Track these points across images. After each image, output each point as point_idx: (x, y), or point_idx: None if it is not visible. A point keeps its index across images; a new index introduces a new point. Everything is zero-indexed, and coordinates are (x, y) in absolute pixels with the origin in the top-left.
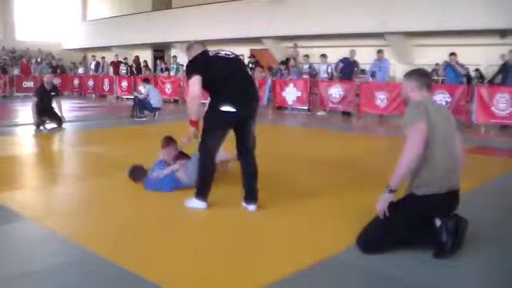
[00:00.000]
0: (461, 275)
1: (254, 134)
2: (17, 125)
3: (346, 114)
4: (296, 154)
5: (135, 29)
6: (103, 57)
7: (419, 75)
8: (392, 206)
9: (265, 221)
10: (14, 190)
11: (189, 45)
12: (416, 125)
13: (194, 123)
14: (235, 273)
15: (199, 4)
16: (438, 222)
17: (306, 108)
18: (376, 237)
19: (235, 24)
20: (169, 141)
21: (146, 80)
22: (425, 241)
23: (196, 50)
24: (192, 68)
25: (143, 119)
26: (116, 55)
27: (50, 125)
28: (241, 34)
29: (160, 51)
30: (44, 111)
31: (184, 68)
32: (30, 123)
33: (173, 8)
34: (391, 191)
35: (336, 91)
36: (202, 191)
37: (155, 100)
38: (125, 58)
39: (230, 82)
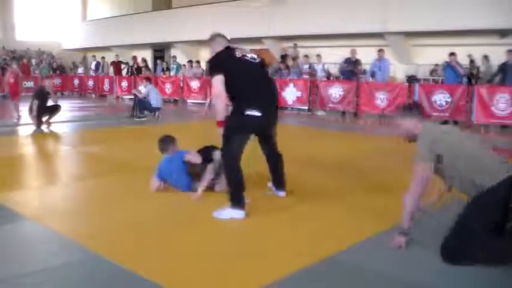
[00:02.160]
0: (461, 275)
1: (275, 133)
2: (17, 125)
3: (350, 114)
4: (296, 154)
5: (135, 29)
6: (103, 57)
7: (411, 109)
8: (463, 213)
9: (265, 221)
10: (14, 190)
11: (212, 37)
12: (422, 164)
13: (222, 124)
14: (235, 273)
15: (199, 4)
16: None
17: (306, 108)
18: (454, 245)
19: (235, 24)
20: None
21: (148, 80)
22: None
23: (219, 44)
24: (216, 65)
25: (143, 119)
26: (116, 55)
27: (51, 119)
28: (241, 34)
29: (160, 51)
30: (42, 112)
31: (207, 63)
32: (30, 123)
33: (173, 8)
34: (404, 234)
35: (336, 91)
36: (237, 200)
37: (155, 100)
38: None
39: (256, 87)
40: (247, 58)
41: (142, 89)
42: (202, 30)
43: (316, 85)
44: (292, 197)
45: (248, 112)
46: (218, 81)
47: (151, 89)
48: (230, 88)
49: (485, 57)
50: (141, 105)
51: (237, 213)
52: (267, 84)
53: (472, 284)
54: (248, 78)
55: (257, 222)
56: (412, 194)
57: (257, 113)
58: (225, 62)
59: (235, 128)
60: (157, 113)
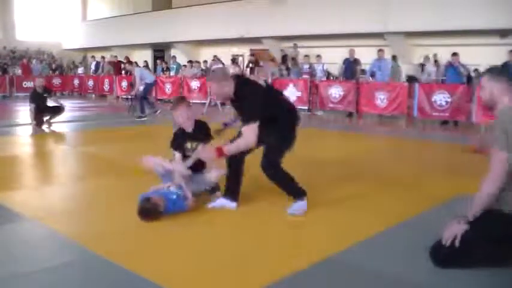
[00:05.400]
0: (462, 274)
1: None
2: (17, 125)
3: (349, 114)
4: (295, 154)
5: (135, 29)
6: (103, 57)
7: (507, 75)
8: (470, 222)
9: (265, 221)
10: (14, 190)
11: (220, 73)
12: (499, 154)
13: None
14: (235, 273)
15: (199, 4)
16: None
17: (306, 108)
18: (449, 253)
19: (235, 24)
20: (181, 100)
21: (131, 63)
22: None
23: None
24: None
25: (143, 118)
26: (115, 56)
27: (52, 120)
28: (241, 34)
29: (160, 51)
30: (43, 111)
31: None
32: (31, 123)
33: (173, 8)
34: (467, 223)
35: (336, 91)
36: (297, 191)
37: (150, 78)
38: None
39: None
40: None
41: (136, 77)
42: (203, 30)
43: (315, 85)
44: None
45: None
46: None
47: (142, 70)
48: None
49: (434, 55)
50: (142, 103)
51: (304, 204)
52: None
53: (472, 284)
54: None
55: (257, 222)
56: (494, 181)
57: None
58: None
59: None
60: (158, 112)
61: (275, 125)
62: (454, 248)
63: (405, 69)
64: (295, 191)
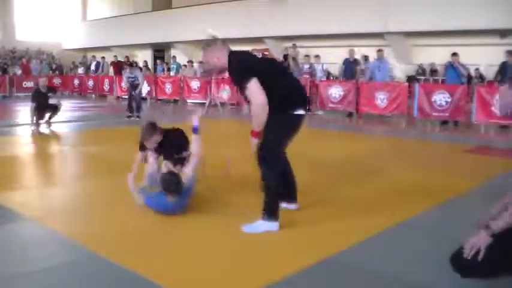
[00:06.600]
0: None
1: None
2: (17, 125)
3: (350, 115)
4: (295, 154)
5: (135, 29)
6: (103, 57)
7: None
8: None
9: None
10: (14, 190)
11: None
12: None
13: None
14: (235, 273)
15: (199, 4)
16: None
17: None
18: (471, 263)
19: (235, 24)
20: (154, 127)
21: (131, 64)
22: None
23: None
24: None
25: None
26: (115, 56)
27: (52, 119)
28: (242, 34)
29: (160, 51)
30: (43, 110)
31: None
32: (31, 123)
33: (173, 8)
34: (492, 236)
35: (336, 91)
36: (273, 210)
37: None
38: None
39: None
40: None
41: (139, 77)
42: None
43: (315, 85)
44: None
45: None
46: None
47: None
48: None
49: (365, 57)
50: (140, 104)
51: (271, 226)
52: None
53: (472, 284)
54: None
55: None
56: None
57: None
58: None
59: None
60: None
61: (276, 102)
62: (474, 259)
63: (404, 70)
64: (272, 204)
